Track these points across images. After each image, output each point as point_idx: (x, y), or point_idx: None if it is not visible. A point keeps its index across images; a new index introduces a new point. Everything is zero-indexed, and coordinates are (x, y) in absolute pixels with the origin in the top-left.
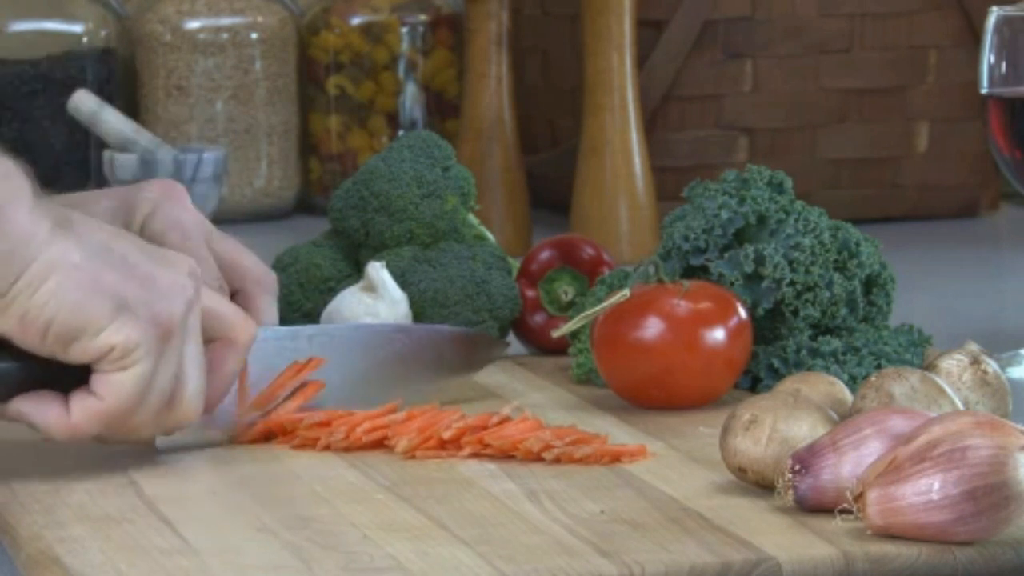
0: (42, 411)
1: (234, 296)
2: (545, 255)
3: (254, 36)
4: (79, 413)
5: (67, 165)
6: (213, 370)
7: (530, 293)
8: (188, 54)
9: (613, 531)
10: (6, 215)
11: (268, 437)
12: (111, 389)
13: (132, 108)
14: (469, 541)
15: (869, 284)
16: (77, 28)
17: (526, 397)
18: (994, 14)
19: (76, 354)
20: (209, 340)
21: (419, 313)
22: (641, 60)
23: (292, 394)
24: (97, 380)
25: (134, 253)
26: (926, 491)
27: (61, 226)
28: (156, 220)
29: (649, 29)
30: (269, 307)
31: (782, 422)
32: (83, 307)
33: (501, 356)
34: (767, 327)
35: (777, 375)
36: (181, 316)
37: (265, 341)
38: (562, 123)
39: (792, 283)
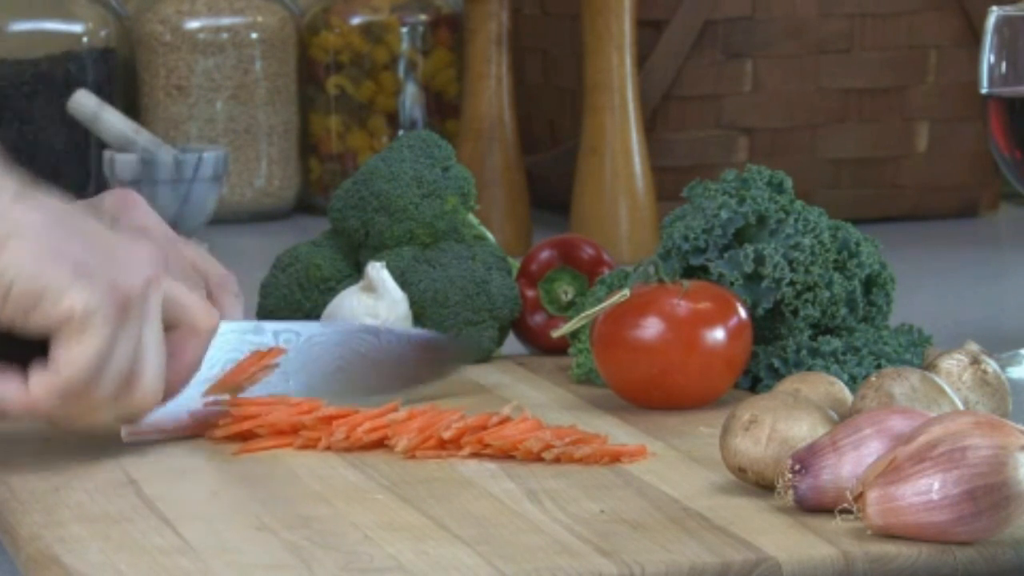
0: (0, 385)
1: None
2: (545, 255)
3: (254, 36)
4: (37, 387)
5: (67, 165)
6: (174, 357)
7: (530, 293)
8: (188, 54)
9: (613, 531)
10: None
11: (245, 432)
12: (69, 359)
13: (132, 108)
14: (469, 541)
15: (869, 284)
16: (77, 28)
17: (526, 397)
18: (994, 14)
19: (36, 321)
20: (171, 328)
21: (419, 313)
22: (641, 60)
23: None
24: (56, 351)
25: (95, 227)
26: (926, 491)
27: (22, 195)
28: (119, 228)
29: (649, 29)
30: (233, 306)
31: (782, 422)
32: (43, 272)
33: (468, 363)
34: (767, 327)
35: (777, 375)
36: (140, 289)
37: (229, 334)
38: (562, 123)
39: (792, 283)
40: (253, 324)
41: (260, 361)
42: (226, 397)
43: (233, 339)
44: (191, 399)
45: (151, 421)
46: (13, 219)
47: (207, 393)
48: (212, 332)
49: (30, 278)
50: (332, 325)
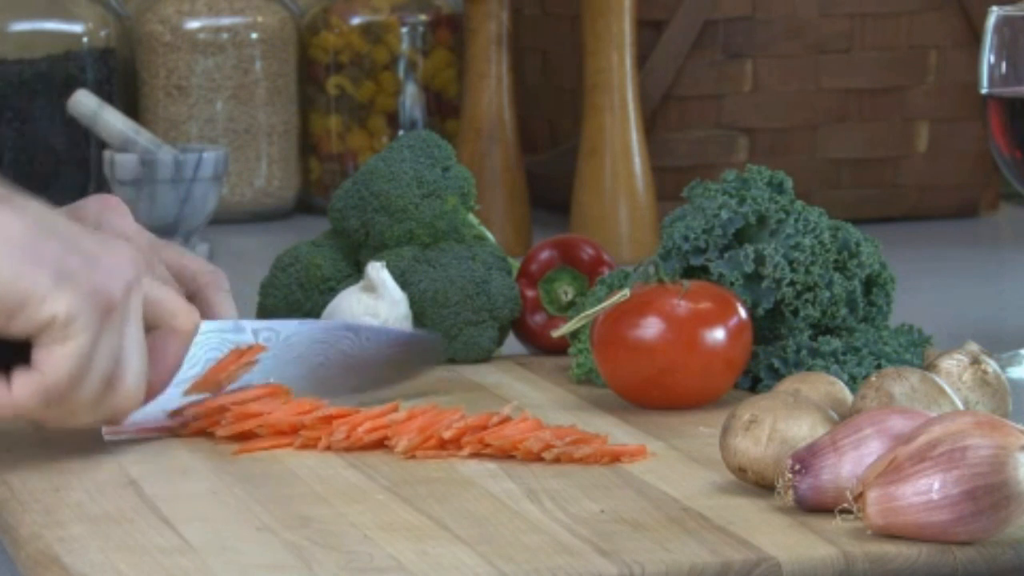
0: None
1: (188, 299)
2: (545, 255)
3: (254, 36)
4: (20, 388)
5: (67, 165)
6: (155, 358)
7: (530, 293)
8: (188, 54)
9: (613, 531)
10: None
11: (245, 432)
12: (52, 362)
13: (132, 108)
14: (469, 541)
15: (869, 284)
16: (77, 28)
17: (526, 397)
18: (994, 14)
19: (18, 326)
20: (152, 328)
21: (419, 313)
22: (641, 60)
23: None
24: (38, 355)
25: (76, 231)
26: (926, 491)
27: (2, 199)
28: (101, 232)
29: (649, 29)
30: (224, 303)
31: (782, 422)
32: (24, 278)
33: (442, 360)
34: (767, 327)
35: (777, 375)
36: (122, 293)
37: (209, 333)
38: (562, 123)
39: (792, 283)
40: (233, 323)
41: (239, 359)
42: (206, 395)
43: (213, 338)
44: (171, 398)
45: (132, 421)
46: None
47: (187, 392)
48: (193, 332)
49: (11, 283)
50: (312, 323)
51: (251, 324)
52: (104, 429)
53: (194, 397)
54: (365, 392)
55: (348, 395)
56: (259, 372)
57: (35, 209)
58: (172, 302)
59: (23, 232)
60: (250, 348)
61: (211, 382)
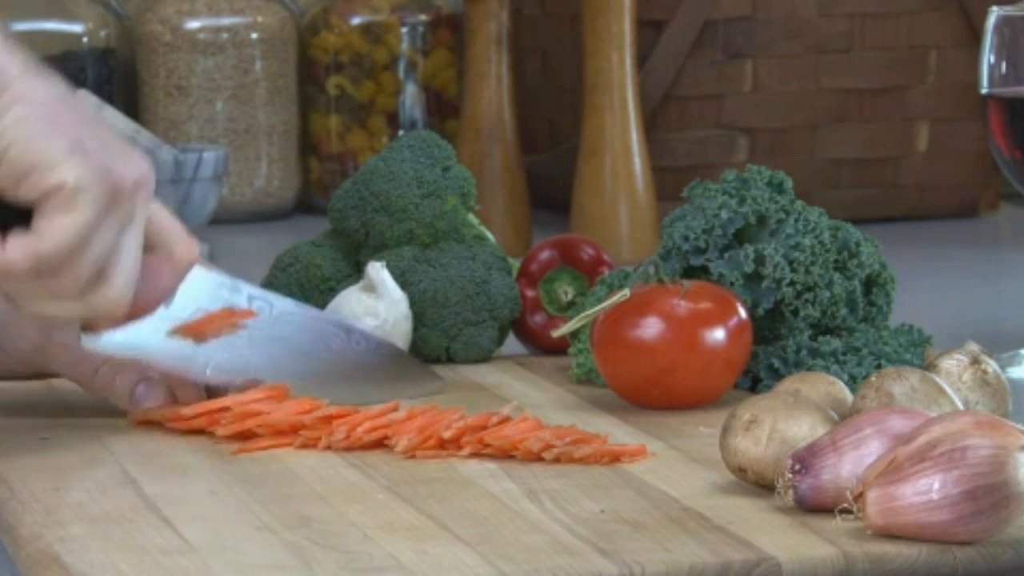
0: None
1: None
2: (545, 255)
3: (254, 36)
4: (14, 248)
5: None
6: (147, 278)
7: (530, 293)
8: (188, 54)
9: (613, 531)
10: None
11: (244, 432)
12: (51, 229)
13: (132, 108)
14: (469, 541)
15: (869, 284)
16: (77, 28)
17: (526, 397)
18: (994, 14)
19: (26, 189)
20: (149, 250)
21: (419, 313)
22: (641, 60)
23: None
24: (40, 220)
25: (101, 121)
26: (926, 491)
27: (30, 69)
28: None
29: (649, 29)
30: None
31: (782, 422)
32: (41, 141)
33: (435, 393)
34: (767, 327)
35: (777, 375)
36: (131, 184)
37: (207, 283)
38: (562, 123)
39: (792, 283)
40: (231, 280)
41: (229, 318)
42: (188, 340)
43: (209, 289)
44: (156, 333)
45: (112, 341)
46: (21, 86)
47: (172, 332)
48: (189, 264)
49: (27, 144)
50: (305, 308)
51: (248, 288)
52: (83, 336)
53: (176, 340)
54: (345, 394)
55: (320, 390)
56: (244, 341)
57: (61, 85)
58: (174, 229)
59: (46, 100)
60: (242, 312)
61: (196, 330)
